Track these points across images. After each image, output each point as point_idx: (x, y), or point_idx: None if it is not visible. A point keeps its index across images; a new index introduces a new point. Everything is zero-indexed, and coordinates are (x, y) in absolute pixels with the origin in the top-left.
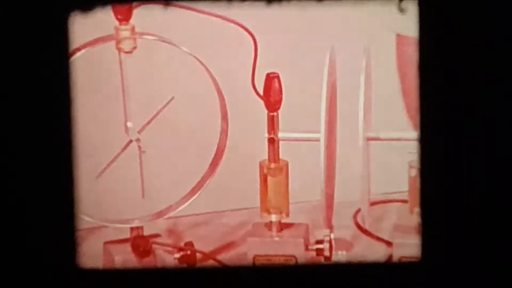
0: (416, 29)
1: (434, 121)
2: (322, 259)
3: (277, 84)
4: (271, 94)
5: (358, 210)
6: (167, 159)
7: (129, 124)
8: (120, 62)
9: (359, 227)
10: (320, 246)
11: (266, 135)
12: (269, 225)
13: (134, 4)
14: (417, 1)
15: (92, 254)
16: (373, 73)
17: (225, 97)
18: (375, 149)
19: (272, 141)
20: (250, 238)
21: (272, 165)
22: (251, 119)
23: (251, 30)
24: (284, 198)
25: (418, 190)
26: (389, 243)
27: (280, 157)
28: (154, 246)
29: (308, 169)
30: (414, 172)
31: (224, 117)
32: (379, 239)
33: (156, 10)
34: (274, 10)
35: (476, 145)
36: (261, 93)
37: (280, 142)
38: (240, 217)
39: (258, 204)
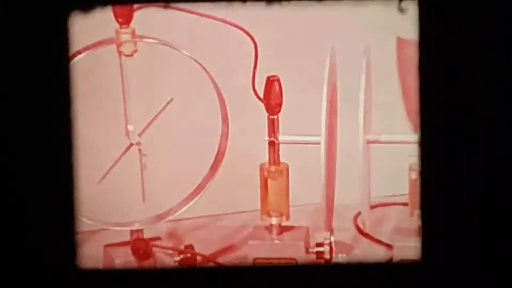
0: (416, 30)
1: (434, 124)
2: (322, 262)
3: (277, 87)
4: (272, 97)
5: (359, 213)
6: (167, 162)
7: (129, 127)
8: (121, 65)
9: (359, 230)
10: (321, 249)
11: (267, 138)
12: (269, 228)
13: (135, 7)
14: (417, 2)
15: (92, 256)
16: (373, 76)
17: (225, 100)
18: (375, 152)
19: (273, 144)
20: (251, 241)
21: (273, 168)
22: (251, 122)
23: (251, 32)
24: (284, 201)
25: (418, 193)
26: (389, 246)
27: (281, 160)
28: (154, 249)
29: (308, 172)
30: (414, 175)
31: (225, 120)
32: (379, 242)
33: (156, 13)
34: (274, 11)
35: (476, 147)
36: (262, 96)
37: (281, 145)
38: (241, 220)
39: (259, 207)
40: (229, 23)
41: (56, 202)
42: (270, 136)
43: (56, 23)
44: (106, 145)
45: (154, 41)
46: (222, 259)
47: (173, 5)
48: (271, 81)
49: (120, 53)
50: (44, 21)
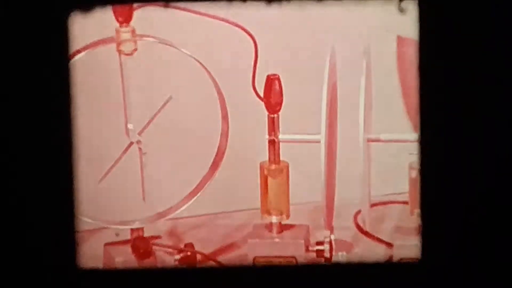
0: (416, 29)
1: (434, 122)
2: (322, 260)
3: (277, 86)
4: (272, 96)
5: (359, 212)
6: (167, 160)
7: (129, 126)
8: (121, 64)
9: (359, 228)
10: (321, 247)
11: (267, 136)
12: (269, 226)
13: (135, 6)
14: (417, 1)
15: (92, 255)
16: (374, 75)
17: (225, 98)
18: (375, 150)
19: (273, 143)
20: (251, 240)
21: (273, 167)
22: (251, 121)
23: (251, 31)
24: (284, 200)
25: (418, 192)
26: (389, 245)
27: (281, 158)
28: (154, 247)
29: (308, 170)
30: (415, 174)
31: (225, 118)
32: (379, 240)
33: (156, 12)
34: (274, 10)
35: (476, 145)
36: (262, 94)
37: (281, 144)
38: (241, 218)
39: (259, 206)
40: (229, 21)
41: (56, 201)
42: (270, 135)
43: (56, 23)
44: (106, 144)
45: (154, 40)
46: (222, 258)
47: (173, 4)
48: (271, 80)
49: (120, 52)
50: (44, 20)
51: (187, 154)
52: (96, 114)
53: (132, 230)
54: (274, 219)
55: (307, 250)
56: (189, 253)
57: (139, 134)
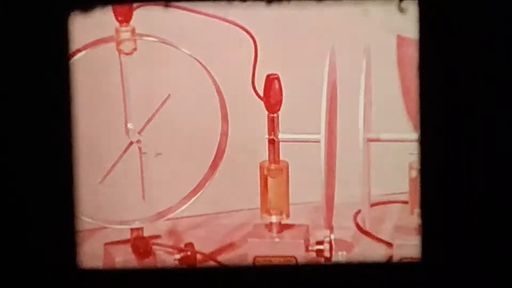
0: (416, 29)
1: (434, 122)
2: (322, 260)
3: (277, 85)
4: (271, 95)
5: (359, 211)
6: (167, 160)
7: (129, 125)
8: (120, 64)
9: (359, 228)
10: (321, 247)
11: (267, 136)
12: (269, 226)
13: (135, 5)
14: (417, 1)
15: (92, 255)
16: (373, 74)
17: (225, 98)
18: (375, 150)
19: (273, 142)
20: (251, 239)
21: (273, 166)
22: (251, 120)
23: (251, 30)
24: (284, 199)
25: (418, 191)
26: (389, 244)
27: (281, 158)
28: (154, 247)
29: (308, 170)
30: (415, 173)
31: (225, 118)
32: (379, 240)
33: (156, 12)
34: (274, 10)
35: (476, 145)
36: (261, 94)
37: (281, 143)
38: (241, 218)
39: (259, 205)
40: (229, 21)
41: (56, 201)
42: (270, 134)
43: (56, 22)
44: (106, 143)
45: (153, 39)
46: (222, 257)
47: (173, 3)
48: (271, 79)
49: (119, 51)
50: (44, 20)
51: (187, 154)
52: (96, 113)
53: (132, 229)
54: (274, 218)
55: (307, 249)
56: (189, 253)
57: (139, 133)
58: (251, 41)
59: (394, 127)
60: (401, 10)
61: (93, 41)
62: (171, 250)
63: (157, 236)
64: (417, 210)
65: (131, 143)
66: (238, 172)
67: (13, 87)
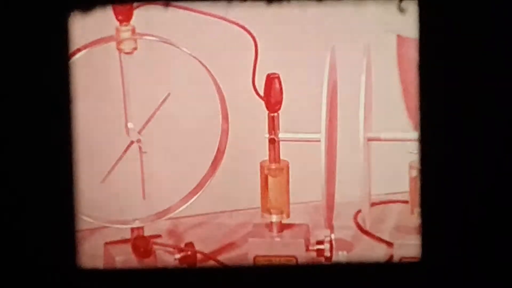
0: (416, 29)
1: (434, 121)
2: (322, 260)
3: (277, 85)
4: (272, 95)
5: (359, 211)
6: (167, 159)
7: (129, 125)
8: (121, 63)
9: (359, 227)
10: (321, 246)
11: (267, 135)
12: (269, 225)
13: (135, 4)
14: (417, 1)
15: (92, 254)
16: (374, 74)
17: (225, 97)
18: (375, 149)
19: (273, 142)
20: (251, 239)
21: (273, 166)
22: (251, 120)
23: (251, 30)
24: (284, 199)
25: (418, 191)
26: (389, 244)
27: (281, 157)
28: (154, 246)
29: (308, 169)
30: (415, 173)
31: (225, 117)
32: (379, 239)
33: (156, 11)
34: (274, 10)
35: (476, 145)
36: (262, 93)
37: (281, 143)
38: (241, 217)
39: (259, 205)
40: (229, 20)
41: (56, 201)
42: (270, 134)
43: (56, 22)
44: (106, 143)
45: (154, 38)
46: (223, 257)
47: (173, 3)
48: (271, 79)
49: (120, 50)
50: (44, 20)
51: (187, 153)
52: (96, 113)
53: (132, 229)
54: (274, 218)
55: (307, 249)
56: (189, 252)
57: (139, 132)
58: (251, 40)
59: (394, 126)
60: (401, 10)
61: (93, 41)
62: (171, 249)
63: (158, 236)
64: (417, 210)
65: (132, 142)
66: (239, 171)
67: (13, 87)
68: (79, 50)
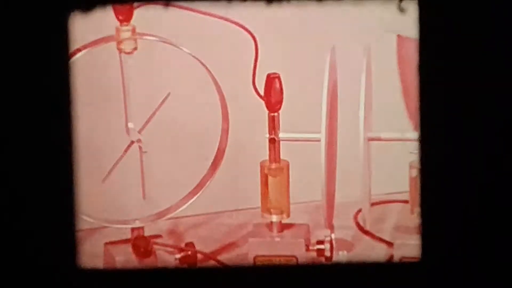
0: (416, 29)
1: (434, 121)
2: (323, 260)
3: (277, 85)
4: (272, 95)
5: (359, 211)
6: (168, 159)
7: (130, 124)
8: (121, 63)
9: (360, 227)
10: (321, 246)
11: (267, 135)
12: (270, 225)
13: (135, 4)
14: (417, 1)
15: (93, 254)
16: (374, 74)
17: (225, 97)
18: (375, 149)
19: (273, 142)
20: (251, 239)
21: (273, 165)
22: (252, 120)
23: (251, 30)
24: (285, 199)
25: (419, 190)
26: (390, 244)
27: (281, 157)
28: (155, 246)
29: (308, 169)
30: (415, 172)
31: (225, 117)
32: (380, 239)
33: (156, 11)
34: (274, 10)
35: (476, 145)
36: (262, 93)
37: (281, 142)
38: (241, 217)
39: (259, 205)
40: (230, 20)
41: (56, 201)
42: (270, 134)
43: (56, 22)
44: (107, 143)
45: (154, 38)
46: (223, 257)
47: (174, 2)
48: (271, 79)
49: (120, 50)
50: (44, 20)
51: (187, 153)
52: (97, 113)
53: (132, 229)
54: (274, 218)
55: (307, 249)
56: (189, 252)
57: (139, 132)
58: (251, 40)
59: (395, 126)
60: (401, 10)
61: (94, 41)
62: (171, 249)
63: (158, 236)
64: (417, 210)
65: (132, 142)
66: (239, 171)
67: (13, 87)
68: (79, 50)
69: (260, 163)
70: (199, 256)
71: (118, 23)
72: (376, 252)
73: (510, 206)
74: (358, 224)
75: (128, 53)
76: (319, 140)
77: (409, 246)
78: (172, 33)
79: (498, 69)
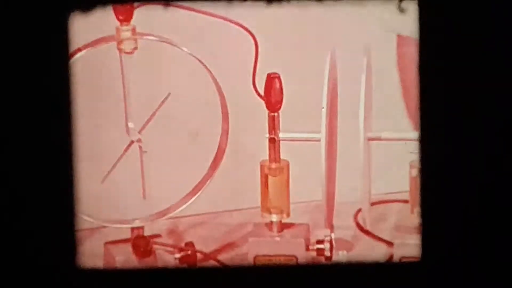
0: (416, 29)
1: (434, 121)
2: (322, 259)
3: (277, 84)
4: (272, 94)
5: (359, 210)
6: (168, 159)
7: (130, 124)
8: (121, 63)
9: (359, 227)
10: (321, 246)
11: (267, 135)
12: (270, 225)
13: (135, 4)
14: (417, 1)
15: (93, 254)
16: (374, 74)
17: (226, 97)
18: (375, 149)
19: (273, 141)
20: (251, 238)
21: (273, 165)
22: (252, 119)
23: (251, 30)
24: (285, 198)
25: (418, 190)
26: (389, 243)
27: (281, 157)
28: (154, 246)
29: (308, 169)
30: (415, 172)
31: (225, 117)
32: (379, 239)
33: (157, 11)
34: (274, 10)
35: (476, 145)
36: (262, 93)
37: (281, 142)
38: (241, 217)
39: (259, 204)
40: (230, 20)
41: (56, 200)
42: (270, 133)
43: (56, 22)
44: (107, 143)
45: (154, 38)
46: (223, 257)
47: (174, 2)
48: (271, 78)
49: (120, 50)
50: (44, 20)
51: (187, 153)
52: (97, 112)
53: (132, 229)
54: (274, 217)
55: (307, 248)
56: (189, 252)
57: (139, 132)
58: (252, 40)
59: (395, 126)
60: (401, 10)
61: (94, 41)
62: (171, 249)
63: (158, 235)
64: (417, 209)
65: (132, 142)
66: (239, 171)
67: (13, 87)
68: (79, 50)
69: (260, 163)
70: (199, 256)
71: (118, 23)
72: (376, 252)
73: (510, 206)
74: (358, 224)
75: (128, 53)
76: (319, 140)
77: (409, 246)
78: (172, 33)
79: (498, 69)
